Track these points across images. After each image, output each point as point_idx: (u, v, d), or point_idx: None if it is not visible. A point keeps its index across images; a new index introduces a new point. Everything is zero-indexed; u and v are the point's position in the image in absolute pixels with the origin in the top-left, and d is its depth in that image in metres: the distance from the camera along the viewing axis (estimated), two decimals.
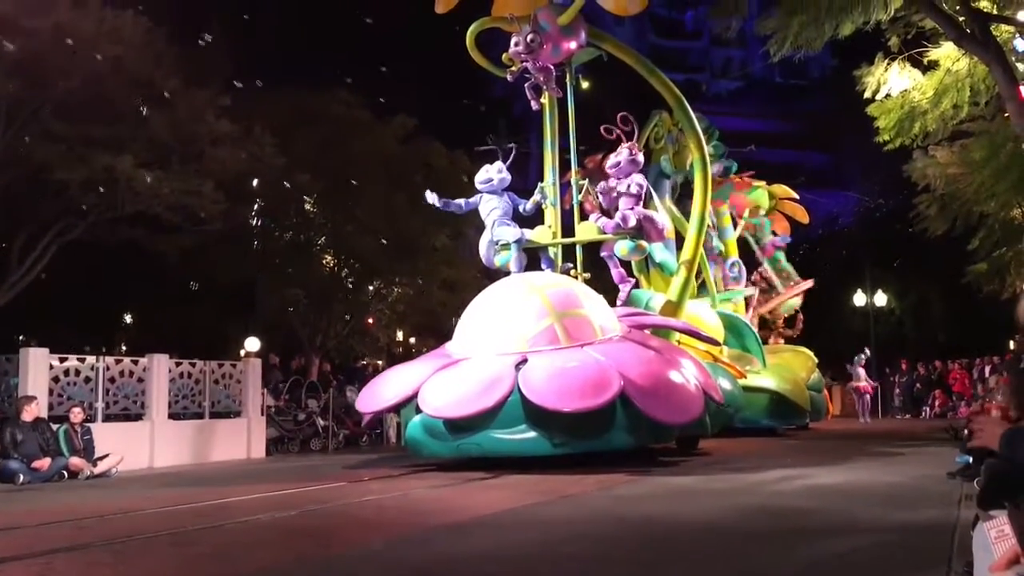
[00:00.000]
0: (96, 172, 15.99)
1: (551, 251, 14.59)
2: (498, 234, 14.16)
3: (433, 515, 7.40)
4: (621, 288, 14.75)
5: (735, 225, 22.32)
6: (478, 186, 14.40)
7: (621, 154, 14.02)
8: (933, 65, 15.77)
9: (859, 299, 34.31)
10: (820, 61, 44.85)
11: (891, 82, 15.90)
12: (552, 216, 14.57)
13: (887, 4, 13.63)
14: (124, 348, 28.51)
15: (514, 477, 10.34)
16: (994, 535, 2.20)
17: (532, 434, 10.87)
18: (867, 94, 16.08)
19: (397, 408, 12.71)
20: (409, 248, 23.22)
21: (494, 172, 14.25)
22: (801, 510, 7.10)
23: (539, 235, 14.51)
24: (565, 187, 15.20)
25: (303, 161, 21.56)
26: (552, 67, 14.12)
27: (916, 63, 15.85)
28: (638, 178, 14.11)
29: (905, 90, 15.95)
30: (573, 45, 14.21)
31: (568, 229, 14.90)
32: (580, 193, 15.04)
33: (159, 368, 14.74)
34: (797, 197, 24.09)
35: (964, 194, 18.13)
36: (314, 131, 22.74)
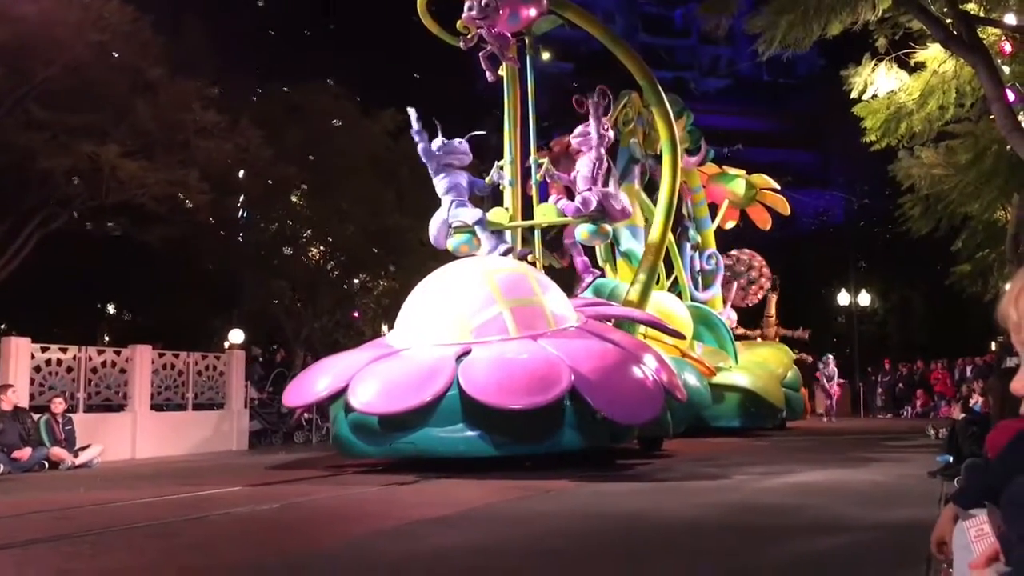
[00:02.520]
0: (80, 160, 15.89)
1: (508, 234, 13.72)
2: (456, 215, 13.25)
3: (417, 508, 7.39)
4: (583, 277, 14.17)
5: (713, 216, 21.90)
6: (439, 155, 13.25)
7: (590, 126, 13.26)
8: (920, 66, 15.82)
9: (843, 298, 34.50)
10: (808, 60, 44.91)
11: (878, 83, 15.94)
12: (512, 197, 13.81)
13: (875, 5, 13.66)
14: (107, 338, 28.32)
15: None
16: (974, 533, 2.21)
17: (473, 433, 9.97)
18: (854, 94, 16.11)
19: (327, 402, 11.50)
20: (395, 241, 23.19)
21: (456, 143, 13.27)
22: (783, 508, 7.12)
23: (496, 217, 13.72)
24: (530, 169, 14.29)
25: (290, 153, 21.48)
26: (510, 35, 13.24)
27: (903, 64, 15.89)
28: (597, 155, 13.31)
29: (892, 91, 15.99)
30: (533, 12, 13.35)
31: (528, 212, 14.15)
32: (539, 172, 14.00)
33: (142, 359, 14.67)
34: (778, 187, 23.51)
35: (948, 195, 18.21)
36: (301, 124, 22.66)
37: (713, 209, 22.05)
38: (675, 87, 20.96)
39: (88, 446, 12.66)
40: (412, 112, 13.23)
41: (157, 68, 16.97)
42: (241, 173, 21.34)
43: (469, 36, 13.15)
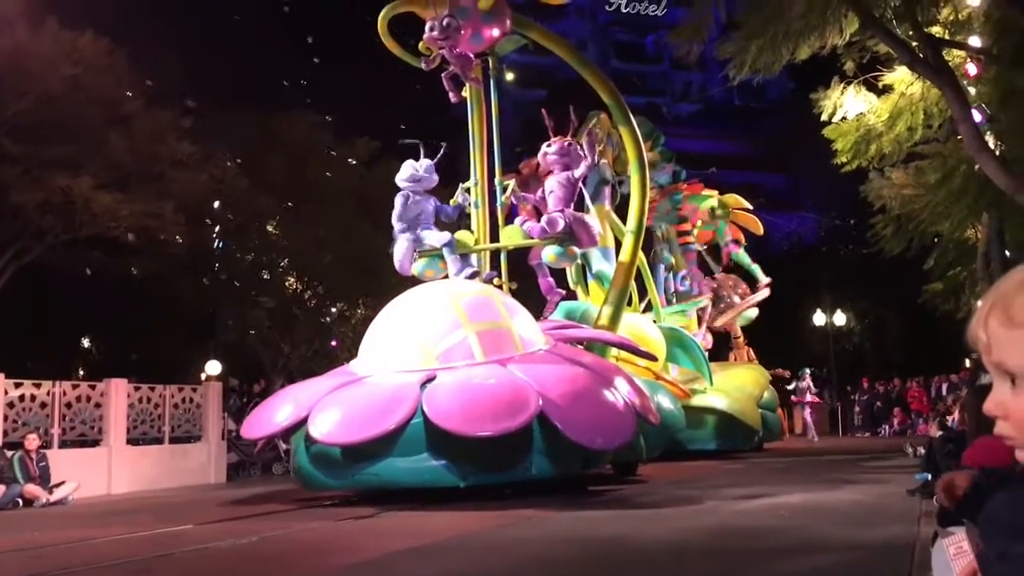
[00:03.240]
0: (53, 194, 15.81)
1: (474, 258, 13.51)
2: (425, 238, 12.97)
3: (393, 539, 7.32)
4: (549, 299, 13.88)
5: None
6: (402, 183, 13.09)
7: (553, 146, 13.03)
8: (887, 89, 16.09)
9: (819, 318, 34.72)
10: (778, 84, 45.45)
11: (847, 105, 16.19)
12: (478, 219, 13.56)
13: (842, 29, 13.90)
14: (82, 372, 28.01)
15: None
16: (952, 551, 2.24)
17: (438, 463, 9.58)
18: (824, 117, 16.35)
19: (287, 433, 11.05)
20: (372, 269, 23.16)
21: (422, 170, 12.97)
22: (763, 529, 7.13)
23: (462, 240, 13.46)
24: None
25: (265, 183, 21.46)
26: (472, 56, 13.02)
27: (871, 87, 16.16)
28: (567, 176, 13.08)
29: (861, 113, 16.24)
30: (496, 32, 13.17)
31: (496, 234, 13.85)
32: (505, 194, 13.67)
33: (117, 393, 14.51)
34: (751, 207, 23.50)
35: (919, 215, 18.44)
36: (276, 153, 22.66)
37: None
38: (648, 112, 21.07)
39: (63, 483, 12.48)
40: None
41: (131, 100, 16.94)
42: (216, 204, 21.28)
43: (431, 57, 12.90)
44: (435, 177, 13.14)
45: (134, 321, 24.82)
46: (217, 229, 23.52)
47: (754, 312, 23.24)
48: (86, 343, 31.21)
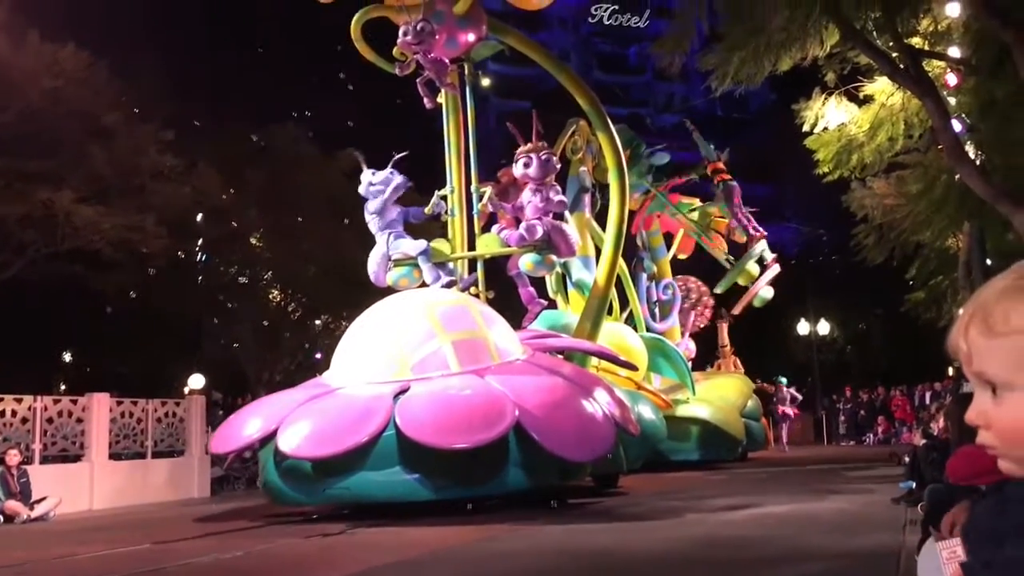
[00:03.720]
0: (34, 207, 15.72)
1: (451, 266, 13.36)
2: (397, 247, 12.80)
3: (378, 553, 7.28)
4: (530, 309, 13.70)
5: (668, 247, 21.57)
6: (369, 193, 12.85)
7: (530, 165, 12.79)
8: (868, 99, 16.19)
9: (803, 328, 34.88)
10: (760, 96, 45.83)
11: (828, 116, 16.28)
12: (456, 228, 13.41)
13: (823, 41, 13.99)
14: (63, 387, 27.79)
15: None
16: (945, 555, 2.24)
17: (411, 476, 9.35)
18: (806, 127, 16.44)
19: (256, 446, 10.69)
20: (357, 282, 23.10)
21: (378, 181, 12.75)
22: (750, 539, 7.13)
23: (438, 248, 13.32)
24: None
25: (249, 196, 21.40)
26: (447, 61, 12.79)
27: (852, 97, 16.26)
28: (549, 185, 12.93)
29: (842, 123, 16.34)
30: (471, 37, 13.02)
31: (471, 242, 13.71)
32: (480, 201, 13.48)
33: (99, 408, 14.38)
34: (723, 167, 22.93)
35: (901, 224, 18.56)
36: (260, 166, 22.61)
37: (668, 239, 21.89)
38: (631, 123, 21.09)
39: (44, 498, 12.35)
40: (358, 154, 13.16)
41: (113, 113, 16.88)
42: (199, 216, 21.20)
43: (406, 62, 12.69)
44: (396, 185, 12.82)
45: (116, 335, 24.69)
46: (200, 242, 23.42)
47: (770, 292, 22.45)
48: (68, 357, 31.00)
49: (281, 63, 38.60)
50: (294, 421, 9.72)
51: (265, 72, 37.15)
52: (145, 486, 14.87)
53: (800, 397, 26.38)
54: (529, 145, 12.93)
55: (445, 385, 10.00)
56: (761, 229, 22.28)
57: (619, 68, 70.27)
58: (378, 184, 12.74)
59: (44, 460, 13.59)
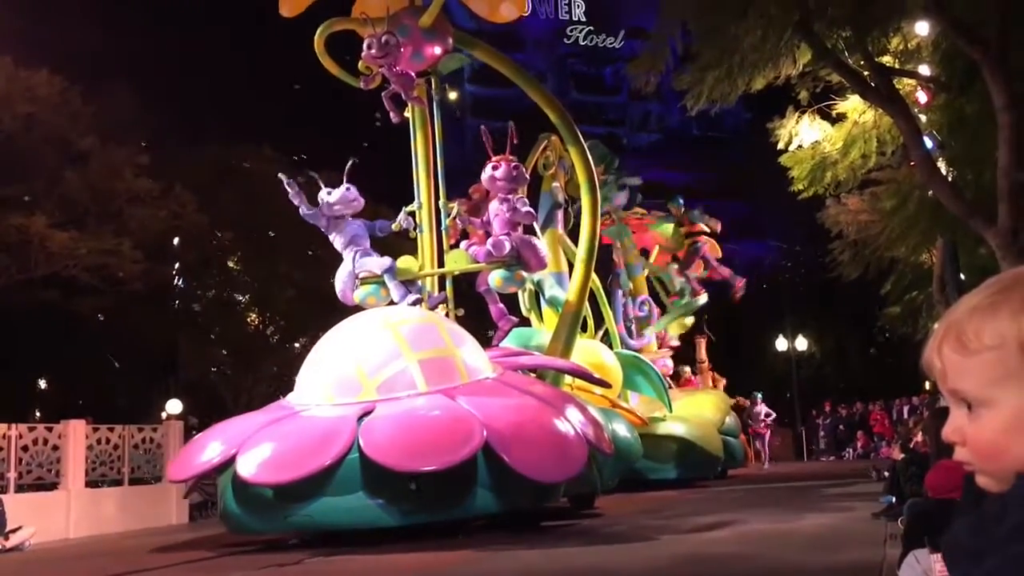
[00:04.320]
0: (8, 233, 15.58)
1: (420, 284, 13.09)
2: (362, 265, 12.50)
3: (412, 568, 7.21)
4: (500, 326, 13.40)
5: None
6: (331, 209, 12.47)
7: (499, 168, 12.49)
8: (841, 117, 16.40)
9: (781, 344, 35.09)
10: (735, 114, 46.17)
11: (802, 134, 16.48)
12: (425, 244, 13.12)
13: (795, 60, 14.18)
14: (38, 414, 27.45)
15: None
16: (939, 568, 2.26)
17: (376, 501, 9.01)
18: (780, 145, 16.62)
19: (213, 472, 10.21)
20: (335, 305, 23.02)
21: (333, 198, 12.38)
22: (733, 556, 7.13)
23: (405, 265, 13.01)
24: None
25: (225, 219, 21.33)
26: (413, 75, 12.55)
27: (825, 115, 16.47)
28: (513, 199, 12.62)
29: (816, 141, 16.54)
30: (438, 50, 12.85)
31: (440, 259, 13.40)
32: (449, 218, 13.25)
33: (75, 435, 14.21)
34: (708, 230, 22.65)
35: (875, 240, 18.75)
36: (236, 188, 22.55)
37: (644, 255, 21.75)
38: (607, 142, 21.08)
39: (20, 528, 12.16)
40: (283, 178, 12.76)
41: (87, 137, 16.81)
42: (176, 240, 21.10)
43: (371, 76, 12.48)
44: (360, 200, 12.59)
45: (92, 361, 24.46)
46: (177, 266, 23.29)
47: (690, 320, 22.50)
48: (43, 384, 30.64)
49: (256, 84, 38.61)
50: (253, 445, 9.30)
51: (239, 93, 37.14)
52: (123, 514, 14.68)
53: (773, 414, 25.90)
54: (501, 157, 12.70)
55: (411, 406, 9.69)
56: (702, 288, 22.25)
57: (595, 88, 70.73)
58: (337, 204, 12.43)
59: (19, 489, 13.40)
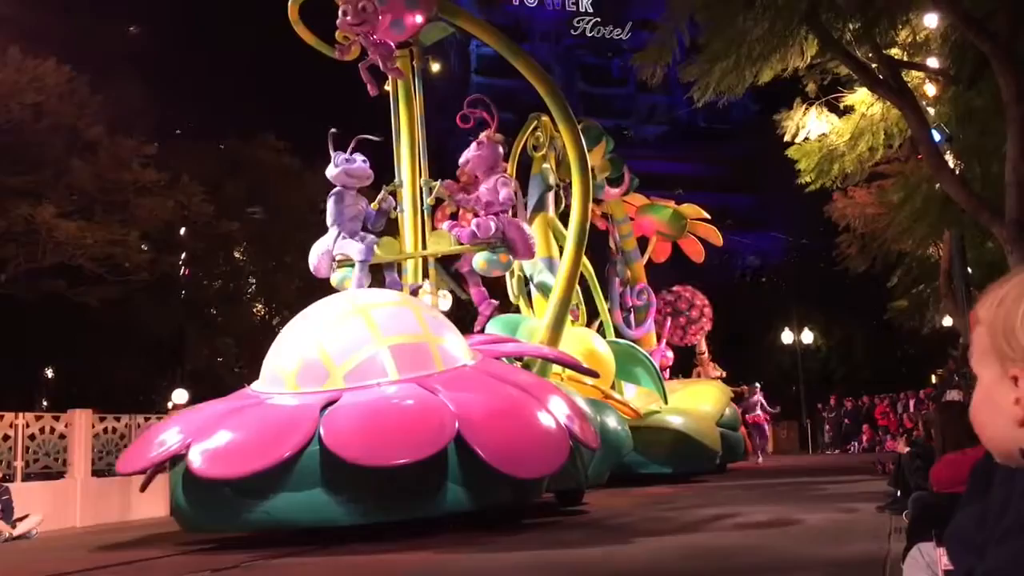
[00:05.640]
0: (15, 222, 15.63)
1: (407, 265, 12.48)
2: (342, 247, 11.80)
3: (369, 570, 7.23)
4: (480, 310, 12.67)
5: (643, 250, 20.59)
6: (337, 178, 11.75)
7: (483, 141, 11.82)
8: (849, 110, 16.35)
9: (787, 337, 35.04)
10: (742, 106, 46.11)
11: (810, 126, 16.42)
12: (409, 225, 12.46)
13: (803, 52, 14.12)
14: (45, 404, 27.58)
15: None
16: (944, 561, 2.26)
17: (337, 498, 8.29)
18: (787, 137, 16.57)
19: (164, 464, 9.51)
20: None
21: (359, 161, 11.67)
22: (739, 548, 7.14)
23: (384, 248, 12.32)
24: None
25: (232, 209, 21.36)
26: (392, 44, 11.90)
27: (833, 108, 16.42)
28: (502, 179, 11.95)
29: (823, 134, 16.48)
30: (419, 19, 12.15)
31: (423, 241, 12.61)
32: (430, 195, 12.46)
33: (82, 424, 14.26)
34: (709, 218, 22.06)
35: (882, 233, 18.72)
36: (243, 179, 22.58)
37: (643, 243, 20.87)
38: (614, 134, 20.67)
39: (26, 516, 12.22)
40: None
41: (95, 127, 16.84)
42: (183, 230, 21.14)
43: (347, 45, 11.76)
44: (371, 175, 11.88)
45: (99, 350, 24.51)
46: (183, 256, 23.34)
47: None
48: (49, 373, 30.77)
49: (261, 74, 38.62)
50: (207, 436, 8.63)
51: (248, 83, 37.16)
52: (128, 502, 14.73)
53: (770, 409, 24.63)
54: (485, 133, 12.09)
55: (378, 395, 8.99)
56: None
57: (602, 80, 70.71)
58: (354, 176, 11.70)
59: (26, 477, 13.45)
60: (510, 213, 12.33)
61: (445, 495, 8.47)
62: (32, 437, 13.63)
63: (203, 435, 8.64)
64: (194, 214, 19.48)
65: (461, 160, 12.26)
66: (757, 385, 24.79)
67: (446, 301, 13.07)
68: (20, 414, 13.83)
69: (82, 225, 16.40)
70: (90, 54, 17.92)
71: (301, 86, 40.82)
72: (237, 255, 24.44)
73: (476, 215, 12.36)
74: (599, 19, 71.28)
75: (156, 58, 29.57)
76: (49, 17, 17.79)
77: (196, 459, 8.38)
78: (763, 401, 24.25)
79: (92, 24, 22.81)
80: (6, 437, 13.25)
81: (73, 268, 17.29)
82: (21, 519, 12.15)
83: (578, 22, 71.25)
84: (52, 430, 13.96)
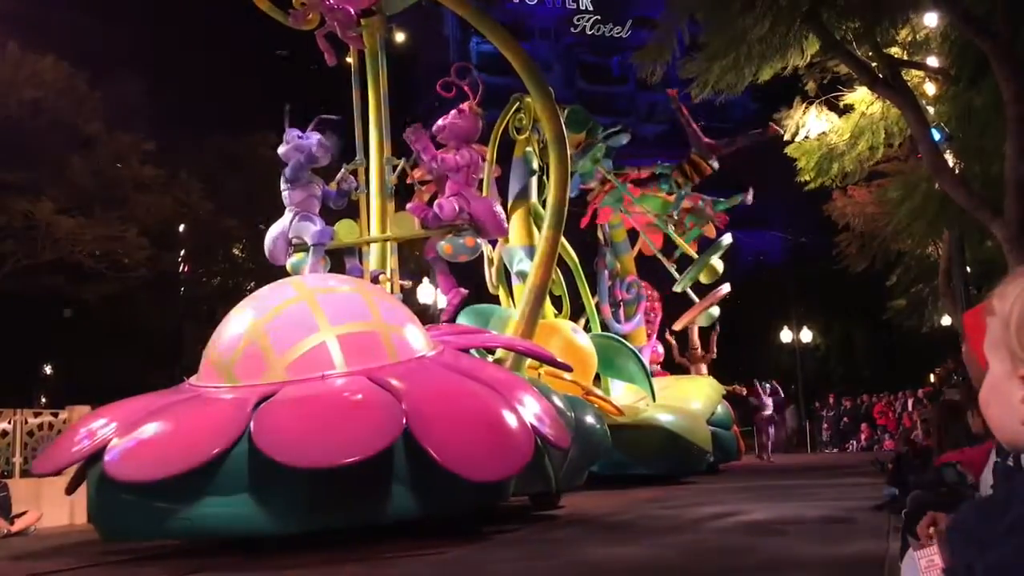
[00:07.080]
0: (14, 218, 15.62)
1: (370, 250, 11.92)
2: (298, 230, 11.16)
3: None
4: (448, 299, 11.83)
5: (633, 242, 19.91)
6: (310, 158, 11.18)
7: (463, 110, 11.15)
8: (848, 108, 16.36)
9: (786, 336, 35.05)
10: (742, 105, 46.15)
11: (809, 124, 16.43)
12: (372, 206, 11.79)
13: (803, 51, 14.12)
14: (43, 400, 27.57)
15: None
16: (923, 564, 2.25)
17: (267, 503, 7.38)
18: (787, 136, 16.58)
19: (81, 463, 8.58)
20: None
21: (326, 145, 11.09)
22: (738, 547, 7.13)
23: (344, 231, 11.67)
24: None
25: (231, 205, 21.34)
26: (352, 12, 11.25)
27: (832, 107, 16.43)
28: (465, 154, 11.19)
29: (823, 132, 16.50)
30: None
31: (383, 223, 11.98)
32: (394, 173, 11.71)
33: (80, 420, 14.25)
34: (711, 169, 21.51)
35: (882, 232, 18.72)
36: (242, 175, 22.57)
37: (633, 236, 20.13)
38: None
39: (25, 513, 12.21)
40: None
41: (94, 123, 16.83)
42: (182, 227, 21.14)
43: (303, 10, 11.07)
44: (327, 153, 11.22)
45: (97, 346, 24.50)
46: (182, 252, 23.32)
47: (716, 310, 20.48)
48: (48, 369, 30.76)
49: (263, 70, 38.59)
50: (126, 434, 7.78)
51: (246, 80, 37.11)
52: None
53: (770, 407, 23.84)
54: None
55: (320, 389, 8.15)
56: (721, 215, 20.64)
57: (602, 78, 70.65)
58: (319, 151, 11.21)
59: (24, 474, 13.45)
60: (475, 189, 11.58)
61: (391, 500, 7.60)
62: (31, 433, 13.62)
63: (124, 432, 7.84)
64: (193, 211, 19.48)
65: (436, 125, 11.48)
66: (767, 386, 24.14)
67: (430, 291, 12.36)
68: (18, 410, 13.82)
69: (81, 221, 16.40)
70: (89, 50, 17.90)
71: (301, 85, 40.85)
72: (236, 252, 24.42)
73: (436, 182, 11.63)
74: (599, 17, 71.24)
75: (155, 54, 29.59)
76: (47, 13, 17.77)
77: (112, 459, 7.50)
78: (767, 400, 23.64)
79: (91, 20, 22.80)
80: (4, 433, 13.24)
81: (72, 264, 17.29)
82: (19, 516, 12.14)
83: (578, 20, 71.20)
84: (51, 426, 13.94)
